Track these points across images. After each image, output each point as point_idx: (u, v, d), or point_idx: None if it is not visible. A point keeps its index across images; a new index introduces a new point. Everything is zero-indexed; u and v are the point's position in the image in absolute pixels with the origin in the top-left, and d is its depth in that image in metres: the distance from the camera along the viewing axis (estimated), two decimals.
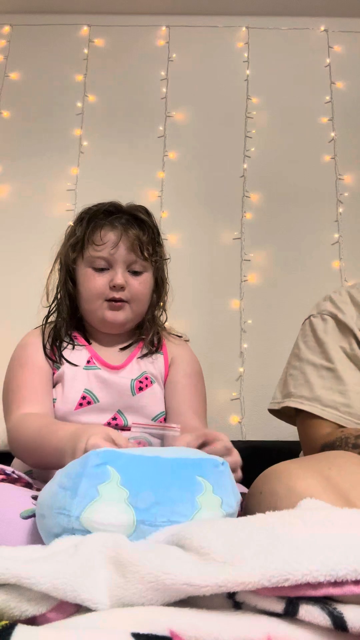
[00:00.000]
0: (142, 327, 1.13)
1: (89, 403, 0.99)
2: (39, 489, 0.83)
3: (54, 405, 0.99)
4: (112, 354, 1.08)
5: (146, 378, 1.05)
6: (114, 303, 1.03)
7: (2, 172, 2.02)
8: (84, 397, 0.99)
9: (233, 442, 1.48)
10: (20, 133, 2.05)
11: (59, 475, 0.61)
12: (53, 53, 2.13)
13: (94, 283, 1.03)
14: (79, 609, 0.43)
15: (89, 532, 0.52)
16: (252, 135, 2.04)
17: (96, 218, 1.06)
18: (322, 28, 2.14)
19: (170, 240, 1.90)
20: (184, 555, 0.43)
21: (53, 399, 1.00)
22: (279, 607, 0.39)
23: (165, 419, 1.04)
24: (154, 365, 1.09)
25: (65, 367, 1.02)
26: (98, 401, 0.99)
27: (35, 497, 0.77)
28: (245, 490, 0.85)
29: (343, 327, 1.03)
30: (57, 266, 1.12)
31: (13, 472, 0.85)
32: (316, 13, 2.13)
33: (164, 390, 1.08)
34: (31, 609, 0.42)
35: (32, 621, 0.42)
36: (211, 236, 1.93)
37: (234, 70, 2.10)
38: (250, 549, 0.42)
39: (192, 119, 2.06)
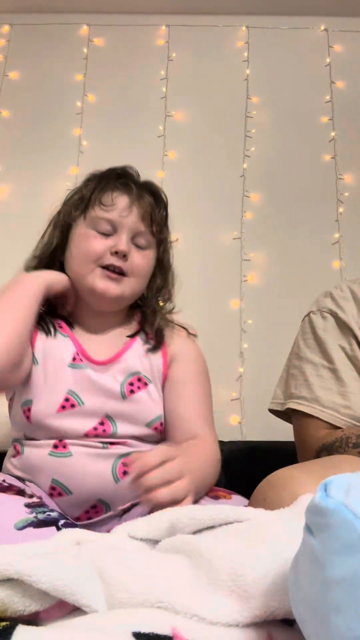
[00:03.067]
0: (144, 317, 0.99)
1: (72, 406, 0.86)
2: (31, 496, 0.79)
3: (29, 409, 0.85)
4: (99, 344, 0.93)
5: (139, 379, 0.91)
6: (111, 273, 0.89)
7: (2, 172, 2.02)
8: (67, 400, 0.86)
9: (233, 442, 1.49)
10: (20, 133, 2.05)
11: None
12: (53, 53, 2.13)
13: (92, 245, 0.90)
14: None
15: None
16: (252, 135, 2.03)
17: (108, 179, 0.96)
18: (322, 28, 2.14)
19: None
20: (187, 572, 0.42)
21: (29, 400, 0.86)
22: None
23: (162, 424, 0.91)
24: (150, 361, 0.93)
25: (47, 362, 0.88)
26: (83, 404, 0.86)
27: (28, 505, 0.74)
28: (244, 500, 0.83)
29: (343, 326, 1.00)
30: (49, 230, 1.00)
31: (4, 480, 0.79)
32: (316, 13, 2.12)
33: (164, 391, 0.94)
34: (34, 605, 0.42)
35: (35, 616, 0.43)
36: (211, 236, 1.93)
37: (234, 70, 2.10)
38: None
39: (192, 119, 2.06)
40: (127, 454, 0.84)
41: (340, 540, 0.31)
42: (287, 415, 1.05)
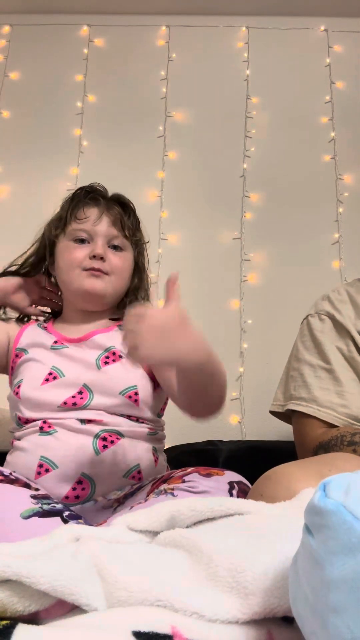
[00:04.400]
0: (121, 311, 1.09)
1: (54, 378, 0.96)
2: (37, 489, 0.83)
3: (19, 386, 0.97)
4: (76, 328, 1.06)
5: (113, 354, 1.00)
6: (93, 271, 1.02)
7: (2, 172, 2.02)
8: (50, 373, 0.97)
9: (233, 442, 1.49)
10: (20, 133, 2.05)
11: None
12: (53, 53, 2.13)
13: (74, 254, 1.03)
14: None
15: None
16: (252, 135, 2.04)
17: (79, 197, 1.09)
18: (322, 28, 2.14)
19: (170, 240, 1.90)
20: (186, 568, 0.42)
21: (20, 380, 0.98)
22: None
23: (137, 394, 0.96)
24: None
25: (33, 348, 1.02)
26: (64, 375, 0.97)
27: (34, 497, 0.78)
28: (237, 475, 0.84)
29: (340, 328, 1.03)
30: (35, 247, 1.13)
31: (11, 473, 0.84)
32: (316, 13, 2.13)
33: (159, 376, 1.00)
34: (34, 604, 0.42)
35: (35, 615, 0.43)
36: (211, 236, 1.93)
37: (234, 70, 2.10)
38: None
39: (192, 119, 2.06)
40: (106, 431, 0.92)
41: (339, 542, 0.31)
42: (287, 416, 1.07)
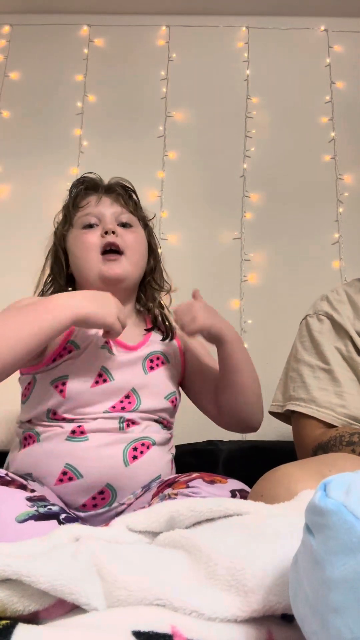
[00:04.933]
0: (144, 294, 1.11)
1: (104, 381, 0.94)
2: (33, 490, 0.81)
3: (64, 383, 0.93)
4: (126, 331, 1.00)
5: (157, 358, 1.03)
6: (110, 255, 1.00)
7: (2, 172, 2.02)
8: (100, 375, 0.95)
9: (233, 441, 1.49)
10: (20, 133, 2.05)
11: None
12: (53, 53, 2.13)
13: (85, 238, 1.01)
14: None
15: None
16: (252, 135, 2.03)
17: (76, 189, 1.10)
18: (322, 28, 2.14)
19: (170, 240, 1.90)
20: (185, 567, 0.42)
21: (64, 376, 0.94)
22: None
23: (176, 399, 1.04)
24: (169, 347, 1.06)
25: (84, 344, 0.97)
26: (113, 379, 0.95)
27: (29, 499, 0.76)
28: (240, 484, 0.84)
29: (339, 328, 1.03)
30: (51, 255, 1.10)
31: (7, 474, 0.82)
32: (316, 13, 2.12)
33: (191, 373, 1.09)
34: (34, 604, 0.42)
35: (35, 615, 0.43)
36: (211, 236, 1.93)
37: (234, 70, 2.10)
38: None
39: (192, 119, 2.06)
40: (139, 439, 0.92)
41: (340, 542, 0.31)
42: (287, 417, 1.07)
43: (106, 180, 1.14)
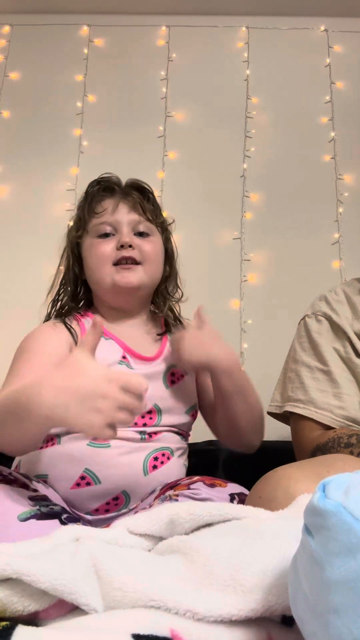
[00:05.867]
0: (155, 303, 1.08)
1: None
2: (36, 490, 0.81)
3: None
4: (139, 341, 1.00)
5: (177, 371, 1.01)
6: (125, 265, 0.97)
7: (2, 172, 2.02)
8: None
9: None
10: (20, 133, 2.05)
11: None
12: (53, 53, 2.13)
13: (100, 249, 0.98)
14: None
15: None
16: (252, 135, 2.03)
17: (92, 192, 1.05)
18: (322, 28, 2.13)
19: None
20: (182, 569, 0.42)
21: None
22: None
23: (196, 411, 1.03)
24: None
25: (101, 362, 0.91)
26: None
27: (32, 498, 0.77)
28: (239, 487, 0.85)
29: (337, 329, 1.03)
30: (64, 259, 1.07)
31: (10, 473, 0.82)
32: (316, 13, 2.12)
33: (200, 391, 1.05)
34: (33, 604, 0.42)
35: (35, 616, 0.43)
36: (211, 236, 1.93)
37: (234, 70, 2.10)
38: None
39: (192, 119, 2.06)
40: (160, 449, 0.92)
41: (339, 543, 0.31)
42: (285, 417, 1.06)
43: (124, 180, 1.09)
